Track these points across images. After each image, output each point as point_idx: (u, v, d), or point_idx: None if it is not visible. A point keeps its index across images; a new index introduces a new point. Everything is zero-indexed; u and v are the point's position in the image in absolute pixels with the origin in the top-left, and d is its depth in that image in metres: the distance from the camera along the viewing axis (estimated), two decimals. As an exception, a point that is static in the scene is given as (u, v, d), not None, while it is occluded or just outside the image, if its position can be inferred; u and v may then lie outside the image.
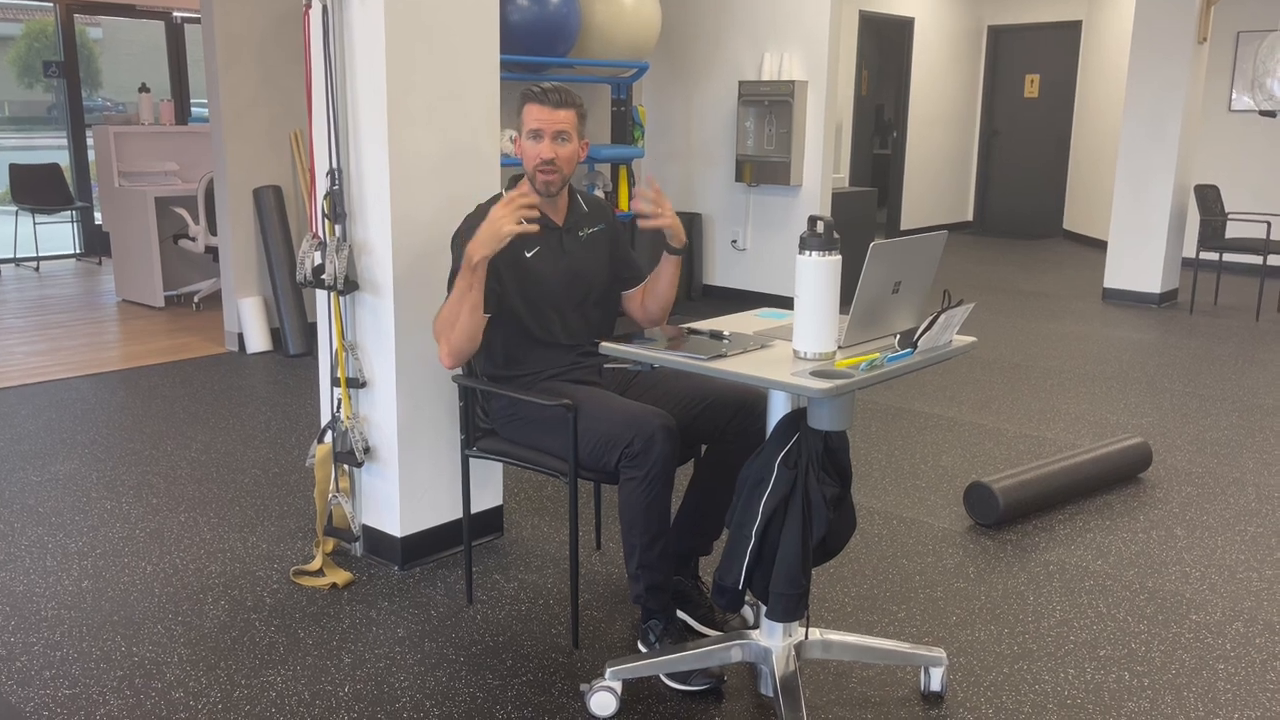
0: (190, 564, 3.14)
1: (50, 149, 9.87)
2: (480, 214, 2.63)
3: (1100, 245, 10.07)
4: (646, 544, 2.47)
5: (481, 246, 2.46)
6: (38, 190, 8.85)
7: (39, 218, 9.01)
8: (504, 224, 2.44)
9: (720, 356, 2.18)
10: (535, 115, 2.60)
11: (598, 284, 2.77)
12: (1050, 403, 4.98)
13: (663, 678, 2.51)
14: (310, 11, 2.95)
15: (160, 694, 2.44)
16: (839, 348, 2.19)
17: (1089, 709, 2.44)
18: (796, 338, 2.17)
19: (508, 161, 5.80)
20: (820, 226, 2.13)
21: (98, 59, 10.81)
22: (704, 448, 2.73)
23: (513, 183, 2.72)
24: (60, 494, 3.67)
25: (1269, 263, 7.39)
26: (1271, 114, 6.91)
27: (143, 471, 3.91)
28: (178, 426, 4.45)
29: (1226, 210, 7.78)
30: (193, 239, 6.79)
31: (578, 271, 2.73)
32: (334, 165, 2.98)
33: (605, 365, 2.76)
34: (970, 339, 2.40)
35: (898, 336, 2.28)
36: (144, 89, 7.68)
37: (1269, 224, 7.25)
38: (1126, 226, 7.52)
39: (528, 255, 2.66)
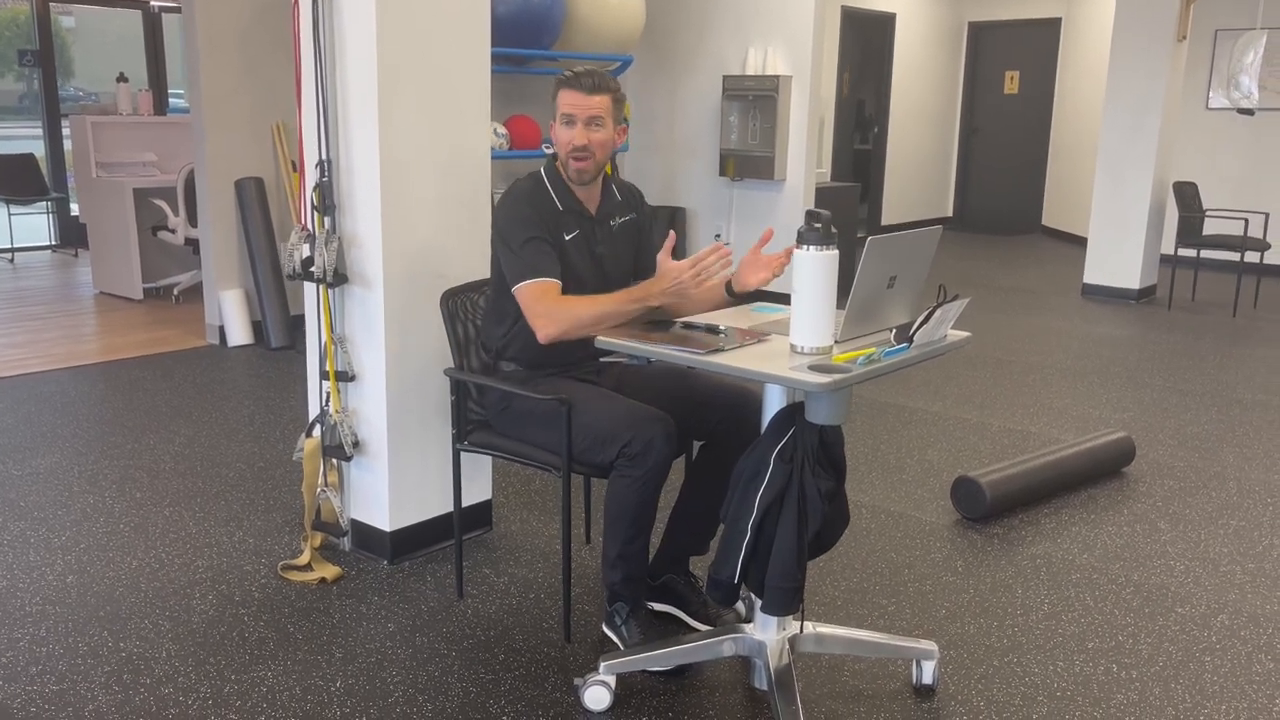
0: (176, 559, 3.11)
1: (25, 139, 9.74)
2: (519, 195, 2.58)
3: (1079, 241, 10.14)
4: (630, 538, 2.48)
5: (670, 296, 2.41)
6: (12, 180, 8.74)
7: (14, 208, 8.89)
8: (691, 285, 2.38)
9: (718, 351, 2.17)
10: (568, 100, 2.54)
11: (621, 279, 2.71)
12: (1033, 397, 5.01)
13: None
14: (300, 1, 2.92)
15: (149, 689, 2.42)
16: (836, 342, 2.19)
17: (1079, 701, 2.46)
18: (794, 332, 2.17)
19: (498, 155, 5.77)
20: (819, 221, 2.13)
21: (70, 48, 10.67)
22: (697, 446, 2.73)
23: (551, 161, 2.65)
24: (42, 488, 3.63)
25: (1246, 259, 7.46)
26: (1249, 112, 6.98)
27: (125, 465, 3.87)
28: (160, 420, 4.41)
29: (1204, 207, 7.86)
30: (172, 231, 6.72)
31: (604, 264, 2.68)
32: (323, 157, 2.95)
33: (601, 360, 2.75)
34: (964, 334, 2.40)
35: (893, 331, 2.29)
36: (122, 78, 7.58)
37: (1246, 221, 7.33)
38: (1106, 223, 7.58)
39: (566, 238, 2.61)
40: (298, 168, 3.08)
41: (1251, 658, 2.68)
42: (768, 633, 2.38)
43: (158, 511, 3.45)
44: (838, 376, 1.99)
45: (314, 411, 3.15)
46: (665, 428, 2.41)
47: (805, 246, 2.12)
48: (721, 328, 2.36)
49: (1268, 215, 7.49)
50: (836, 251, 2.14)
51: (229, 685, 2.45)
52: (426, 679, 2.49)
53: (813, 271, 2.12)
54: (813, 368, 2.04)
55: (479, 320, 2.85)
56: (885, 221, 11.08)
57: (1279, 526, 3.53)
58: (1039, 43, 11.11)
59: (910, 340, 2.19)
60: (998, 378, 5.36)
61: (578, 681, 2.43)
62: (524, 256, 2.53)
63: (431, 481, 3.16)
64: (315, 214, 2.98)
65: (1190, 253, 8.69)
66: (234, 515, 3.44)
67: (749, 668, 2.52)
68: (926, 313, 2.20)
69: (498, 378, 2.71)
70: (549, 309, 2.48)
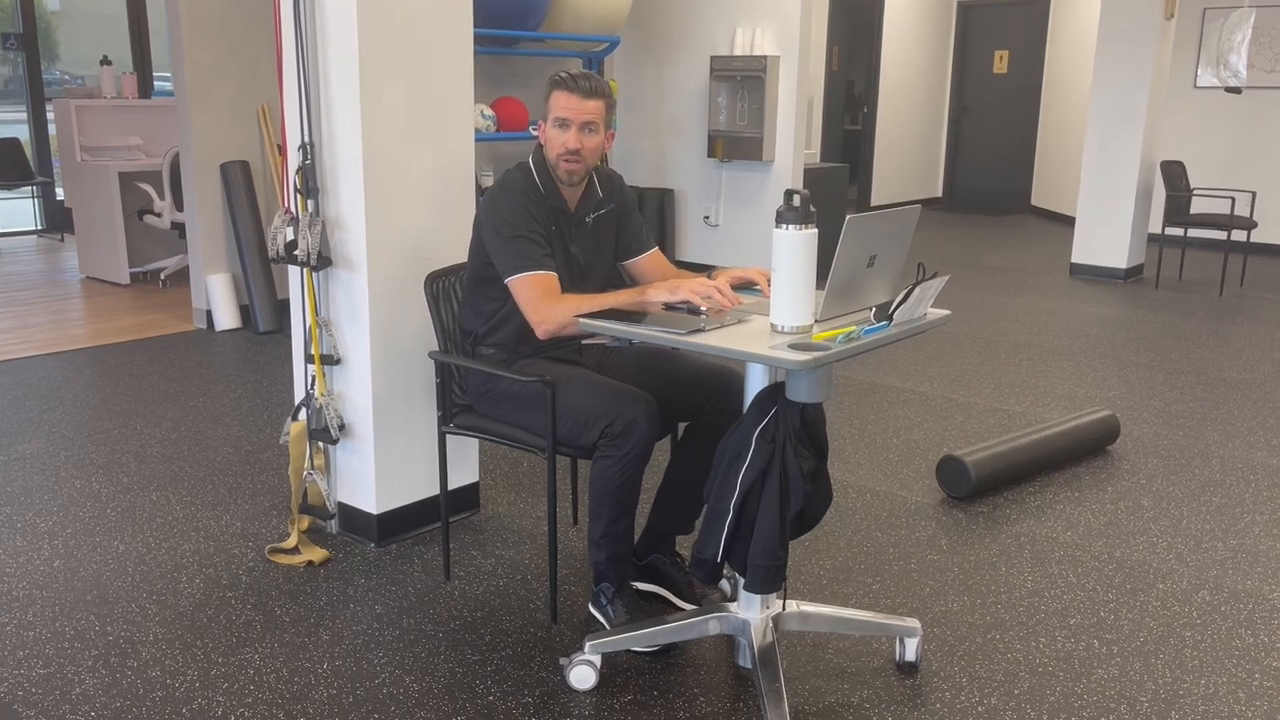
0: (163, 543, 3.11)
1: (9, 123, 9.66)
2: (512, 186, 2.56)
3: (1067, 221, 10.16)
4: (614, 518, 2.49)
5: (663, 295, 2.38)
6: (-3, 165, 8.68)
7: (-1, 193, 8.85)
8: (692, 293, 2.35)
9: (698, 331, 2.18)
10: (563, 104, 2.52)
11: (597, 273, 2.72)
12: (1019, 377, 5.03)
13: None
14: (280, -18, 2.90)
15: (136, 673, 2.43)
16: (816, 321, 2.20)
17: (1060, 676, 2.48)
18: (774, 311, 2.17)
19: (485, 136, 5.76)
20: (797, 200, 2.13)
21: (55, 31, 10.57)
22: (681, 427, 2.73)
23: (539, 151, 2.63)
24: (28, 473, 3.63)
25: (1232, 238, 7.48)
26: (1237, 90, 6.98)
27: (112, 450, 3.87)
28: (147, 405, 4.40)
29: (1191, 186, 7.87)
30: (158, 215, 6.69)
31: (578, 261, 2.68)
32: (306, 139, 2.94)
33: (583, 341, 2.75)
34: (945, 312, 2.42)
35: (873, 309, 2.30)
36: (106, 61, 7.53)
37: (1233, 200, 7.34)
38: (1094, 202, 7.59)
39: (551, 229, 2.62)
40: (282, 151, 3.07)
41: (1231, 633, 2.70)
42: (752, 611, 2.40)
43: (144, 496, 3.46)
44: (817, 354, 2.00)
45: (300, 395, 3.15)
46: (647, 408, 2.42)
47: (784, 225, 2.13)
48: (703, 308, 2.36)
49: (1254, 194, 7.51)
50: (815, 230, 2.14)
51: (216, 668, 2.46)
52: (413, 660, 2.50)
53: (792, 250, 2.12)
54: (793, 346, 2.05)
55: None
56: (875, 202, 11.08)
57: (1261, 504, 3.56)
58: (1028, 22, 11.10)
59: (890, 318, 2.20)
60: (984, 357, 5.38)
61: (563, 661, 2.44)
62: (520, 248, 2.51)
63: (418, 464, 3.17)
64: (298, 197, 2.97)
65: (1177, 231, 8.72)
66: (221, 499, 3.44)
67: (733, 646, 2.54)
68: (906, 291, 2.20)
69: (479, 360, 2.71)
70: (552, 306, 2.45)
